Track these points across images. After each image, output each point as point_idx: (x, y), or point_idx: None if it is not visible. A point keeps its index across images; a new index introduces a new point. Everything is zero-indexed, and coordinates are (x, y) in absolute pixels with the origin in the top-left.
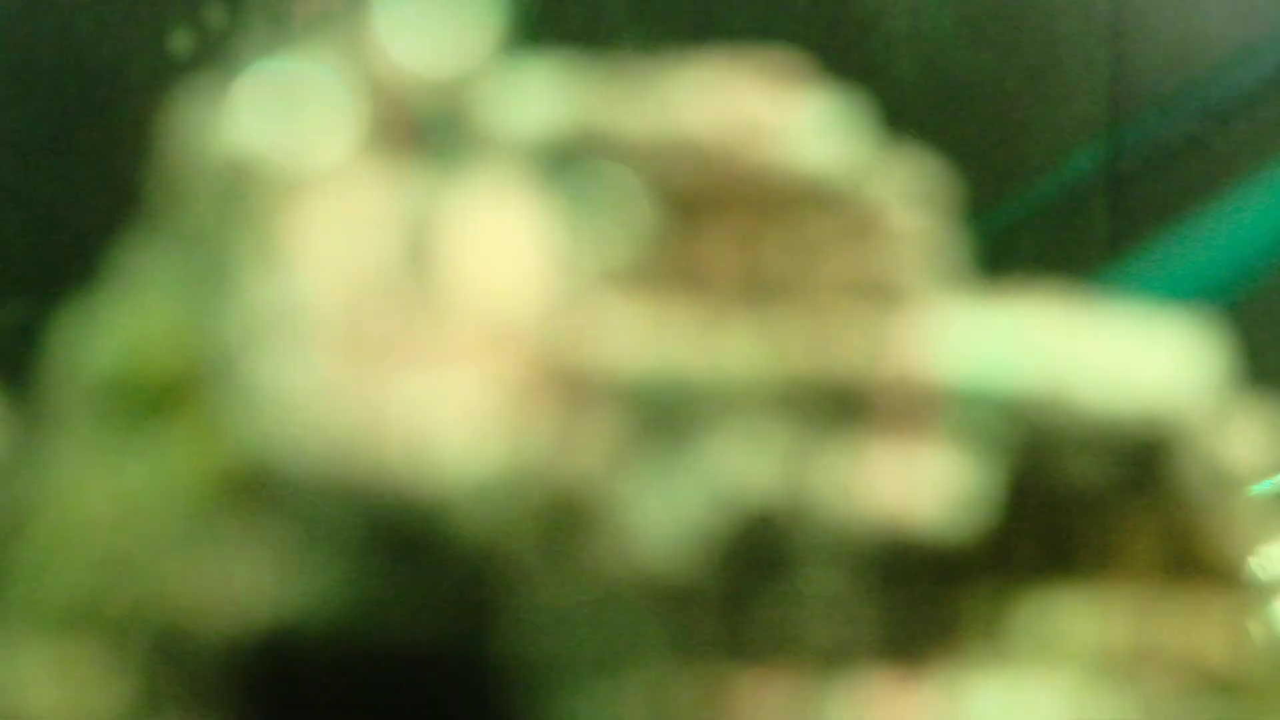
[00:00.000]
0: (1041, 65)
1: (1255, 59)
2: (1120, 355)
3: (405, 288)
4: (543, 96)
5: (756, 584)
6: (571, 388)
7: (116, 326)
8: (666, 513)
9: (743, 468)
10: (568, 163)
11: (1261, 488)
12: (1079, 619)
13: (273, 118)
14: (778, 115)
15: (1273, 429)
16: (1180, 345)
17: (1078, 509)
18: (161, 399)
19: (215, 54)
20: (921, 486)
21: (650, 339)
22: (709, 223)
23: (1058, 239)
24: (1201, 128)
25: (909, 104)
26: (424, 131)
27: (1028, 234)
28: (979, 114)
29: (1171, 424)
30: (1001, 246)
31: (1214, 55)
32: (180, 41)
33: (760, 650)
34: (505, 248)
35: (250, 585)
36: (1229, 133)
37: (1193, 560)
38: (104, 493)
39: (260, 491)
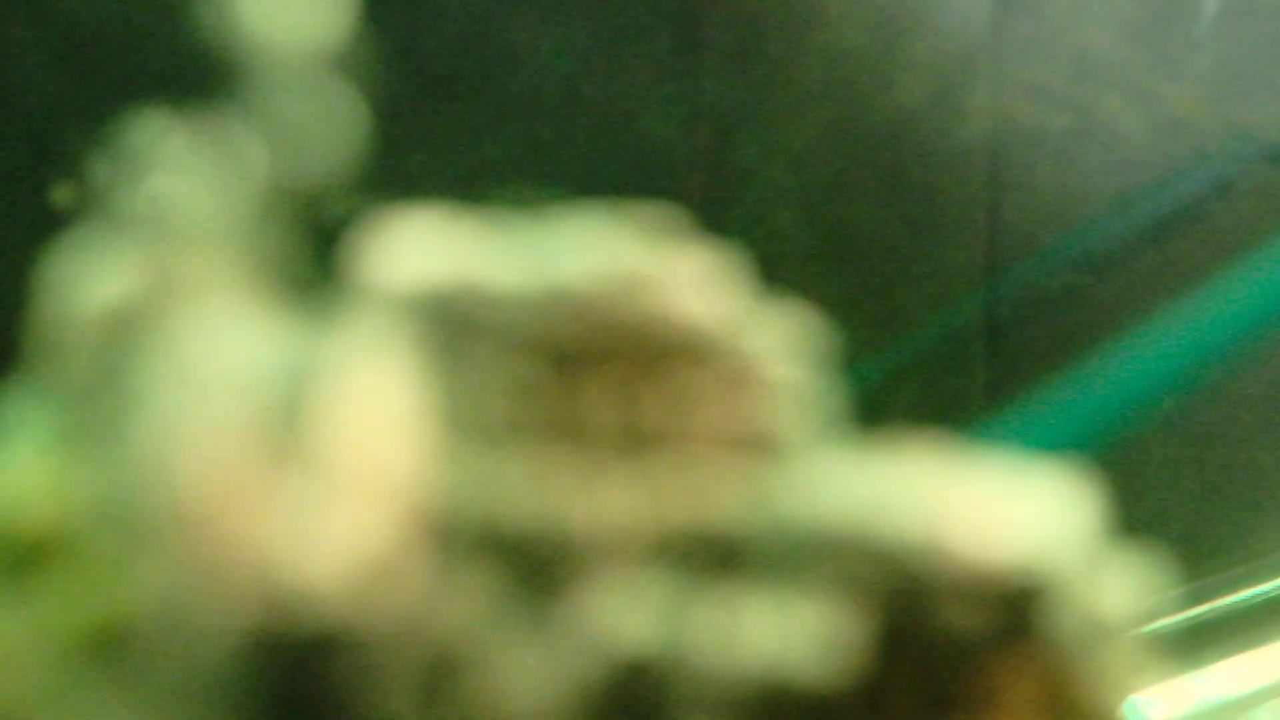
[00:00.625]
0: (920, 216)
1: (1130, 211)
2: (995, 504)
3: (281, 438)
4: (421, 248)
5: None
6: (447, 540)
7: None
8: (542, 664)
9: (619, 618)
10: (445, 315)
11: (1136, 634)
12: None
13: (150, 267)
14: (656, 268)
15: (1145, 577)
16: (1055, 494)
17: (952, 656)
18: (35, 552)
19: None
20: (798, 635)
21: (527, 490)
22: (587, 374)
23: (935, 388)
24: (1078, 278)
25: (788, 255)
26: (305, 280)
27: (906, 383)
28: (858, 264)
29: (1045, 572)
30: (879, 395)
31: (1090, 207)
32: (59, 193)
33: None
34: (382, 399)
35: None
36: (1105, 283)
37: (1066, 707)
38: None
39: (136, 644)
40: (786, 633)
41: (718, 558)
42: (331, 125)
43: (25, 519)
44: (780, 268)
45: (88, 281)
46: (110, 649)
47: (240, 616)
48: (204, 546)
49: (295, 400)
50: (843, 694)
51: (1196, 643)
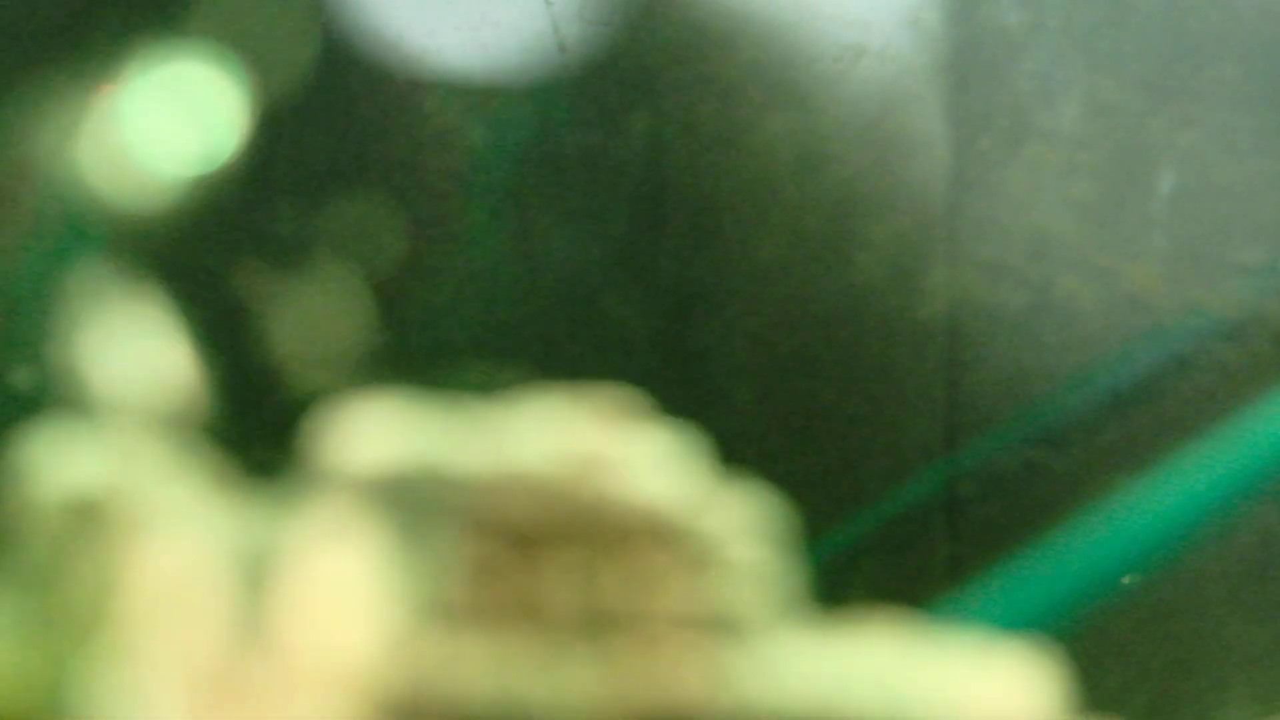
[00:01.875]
0: (879, 393)
1: (1088, 386)
2: (958, 682)
3: (244, 624)
4: (381, 431)
5: None
6: None
7: None
8: None
9: None
10: (405, 497)
11: None
12: None
13: (114, 455)
14: (614, 450)
15: None
16: (1018, 672)
17: None
18: None
19: (55, 394)
20: None
21: (488, 672)
22: (546, 556)
23: (896, 564)
24: (1037, 453)
25: (747, 433)
26: (264, 464)
27: (866, 560)
28: (817, 441)
29: None
30: (840, 573)
31: (1048, 383)
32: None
33: None
34: (342, 583)
35: None
36: (1065, 458)
37: None
38: None
39: None
40: None
41: None
42: (298, 307)
43: None
44: (739, 446)
45: (51, 468)
46: None
47: None
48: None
49: (257, 585)
50: None
51: None
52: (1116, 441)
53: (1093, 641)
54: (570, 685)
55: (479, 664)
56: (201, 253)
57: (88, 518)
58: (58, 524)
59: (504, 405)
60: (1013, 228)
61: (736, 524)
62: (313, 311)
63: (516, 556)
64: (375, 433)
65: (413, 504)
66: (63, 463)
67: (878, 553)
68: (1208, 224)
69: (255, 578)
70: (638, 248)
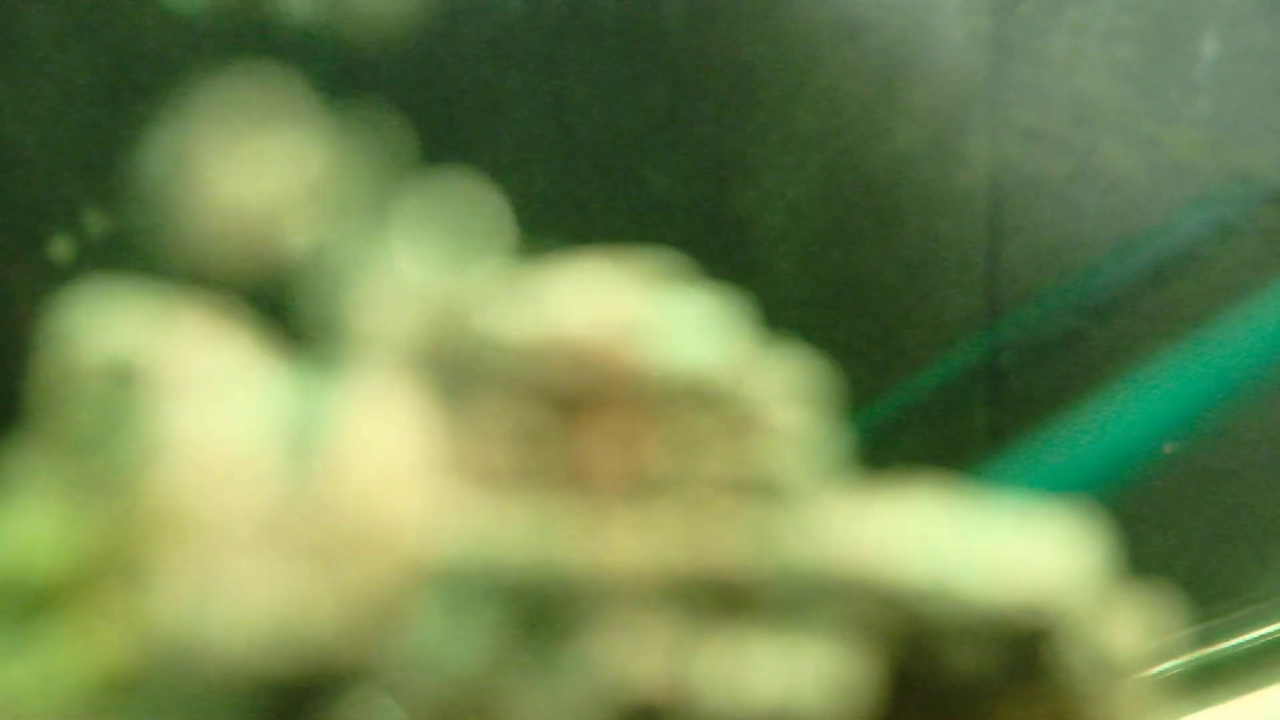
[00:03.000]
0: (919, 262)
1: (1131, 255)
2: (1000, 547)
3: (287, 487)
4: (421, 297)
5: None
6: (453, 586)
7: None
8: (551, 709)
9: (627, 663)
10: (448, 363)
11: (1143, 675)
12: None
13: (153, 317)
14: (655, 315)
15: (1151, 619)
16: (1060, 536)
17: (961, 699)
18: (42, 601)
19: (94, 260)
20: (806, 679)
21: (532, 536)
22: (588, 421)
23: (937, 433)
24: (1079, 322)
25: (787, 302)
26: (305, 330)
27: (908, 428)
28: (858, 310)
29: (1052, 614)
30: (882, 440)
31: (1090, 251)
32: (58, 248)
33: None
34: (386, 447)
35: None
36: (1107, 327)
37: None
38: None
39: (144, 691)
40: (795, 676)
41: (724, 602)
42: (332, 175)
43: (31, 567)
44: (780, 315)
45: (91, 332)
46: (118, 696)
47: (247, 664)
48: (212, 595)
49: (301, 448)
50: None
51: (1203, 684)
52: (1159, 309)
53: (1134, 507)
54: (614, 549)
55: (522, 528)
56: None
57: (128, 381)
58: (98, 388)
59: (543, 271)
60: (1054, 94)
61: (779, 389)
62: (353, 178)
63: (558, 421)
64: (418, 299)
65: (455, 370)
66: (103, 328)
67: (919, 421)
68: (1252, 89)
69: (299, 442)
70: (676, 117)
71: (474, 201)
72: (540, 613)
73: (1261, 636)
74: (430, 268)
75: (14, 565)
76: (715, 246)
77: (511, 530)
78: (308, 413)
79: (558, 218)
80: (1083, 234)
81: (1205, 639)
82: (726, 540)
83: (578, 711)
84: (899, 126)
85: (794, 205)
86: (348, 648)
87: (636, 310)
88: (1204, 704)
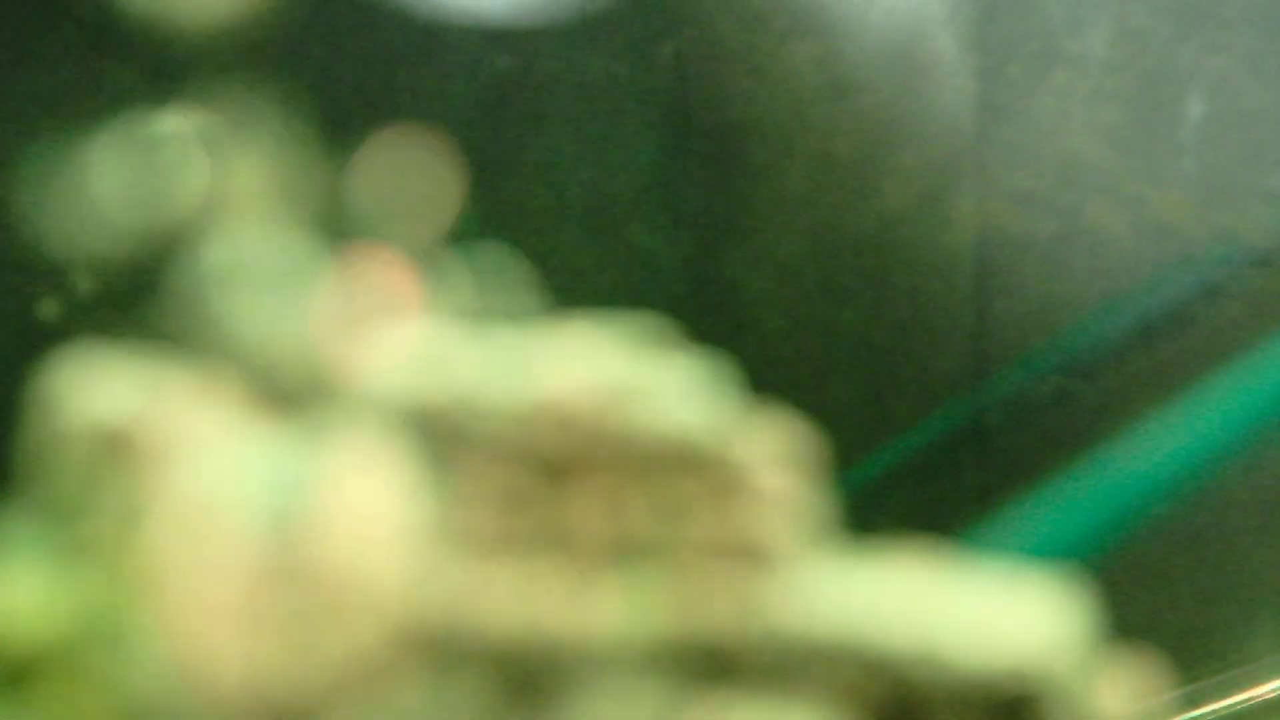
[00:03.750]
0: (907, 322)
1: (1118, 315)
2: (987, 611)
3: (273, 551)
4: (410, 360)
5: None
6: (437, 649)
7: None
8: None
9: None
10: (434, 426)
11: None
12: None
13: (139, 381)
14: (643, 378)
15: (1140, 681)
16: (1047, 600)
17: None
18: (30, 667)
19: (81, 322)
20: None
21: (517, 600)
22: (575, 484)
23: (925, 493)
24: (1067, 382)
25: (775, 362)
26: (292, 393)
27: (896, 489)
28: (844, 371)
29: (1039, 677)
30: (870, 501)
31: (1077, 311)
32: (46, 309)
33: None
34: (372, 511)
35: None
36: (1094, 387)
37: None
38: None
39: None
40: None
41: (711, 666)
42: (321, 241)
43: (19, 634)
44: (768, 375)
45: (81, 397)
46: None
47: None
48: (197, 660)
49: (287, 512)
50: None
51: None
52: (1145, 370)
53: (1122, 569)
54: (599, 613)
55: (507, 592)
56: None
57: (115, 446)
58: (85, 453)
59: (532, 334)
60: (1041, 155)
61: (766, 452)
62: (343, 237)
63: (545, 485)
64: (404, 361)
65: (441, 432)
66: (90, 391)
67: (906, 482)
68: (1237, 150)
69: (285, 505)
70: (665, 176)
71: (465, 265)
72: (525, 677)
73: (1250, 698)
74: (420, 329)
75: (1, 631)
76: (702, 306)
77: (497, 594)
78: (294, 476)
79: (546, 276)
80: (1069, 293)
81: (1193, 701)
82: (713, 604)
83: None
84: (886, 186)
85: (782, 264)
86: (334, 711)
87: (624, 373)
88: None
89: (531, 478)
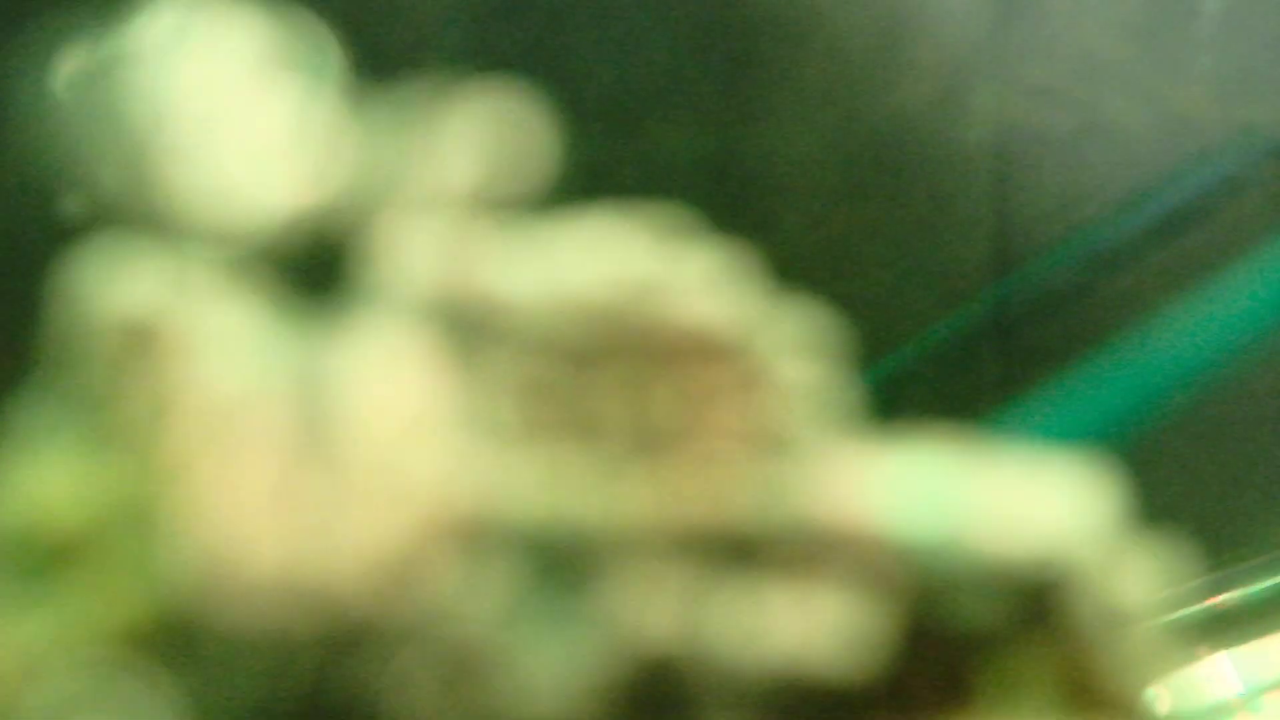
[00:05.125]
0: (927, 217)
1: (1138, 209)
2: (1012, 497)
3: (303, 440)
4: (437, 252)
5: None
6: (467, 538)
7: (14, 484)
8: (562, 660)
9: (639, 615)
10: (460, 319)
11: (1155, 624)
12: None
13: (166, 272)
14: (665, 270)
15: (1163, 567)
16: (1071, 485)
17: (973, 647)
18: (60, 555)
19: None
20: (817, 629)
21: (545, 488)
22: (599, 375)
23: (946, 387)
24: (1087, 276)
25: (795, 257)
26: (324, 284)
27: (916, 382)
28: (864, 267)
29: (1064, 563)
30: (892, 393)
31: (1097, 205)
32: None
33: None
34: (401, 401)
35: None
36: (1114, 281)
37: (1087, 696)
38: (5, 649)
39: (161, 647)
40: (805, 627)
41: (735, 553)
42: (343, 133)
43: (49, 522)
44: (787, 270)
45: (109, 285)
46: (136, 652)
47: (264, 617)
48: (227, 548)
49: (316, 403)
50: (862, 687)
51: (1215, 632)
52: (1166, 263)
53: (1145, 457)
54: (626, 501)
55: (535, 481)
56: None
57: (143, 339)
58: (111, 344)
59: (555, 227)
60: (1059, 49)
61: (788, 343)
62: (364, 134)
63: (568, 376)
64: (430, 255)
65: (467, 325)
66: (116, 282)
67: (928, 376)
68: (1257, 43)
69: (314, 396)
70: (681, 73)
71: (483, 153)
72: (553, 564)
73: (1273, 585)
74: (445, 219)
75: (30, 518)
76: (722, 202)
77: (524, 483)
78: (323, 365)
79: (566, 173)
80: (1089, 188)
81: (1217, 587)
82: (737, 494)
83: (590, 663)
84: (904, 82)
85: (800, 161)
86: (365, 599)
87: (646, 266)
88: (1216, 651)
89: (555, 369)
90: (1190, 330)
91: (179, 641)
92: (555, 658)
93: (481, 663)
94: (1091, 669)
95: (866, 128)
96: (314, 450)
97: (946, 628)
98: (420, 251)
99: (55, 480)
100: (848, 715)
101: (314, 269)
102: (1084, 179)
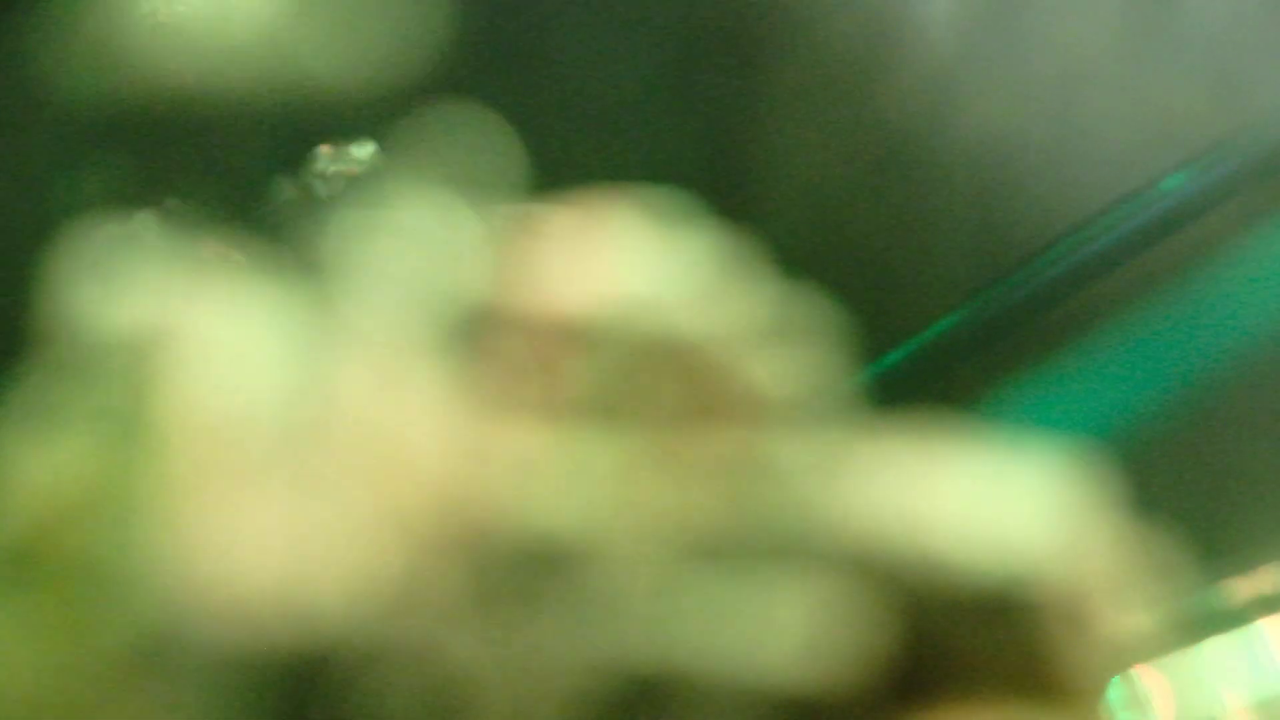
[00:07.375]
0: (917, 216)
1: (1127, 210)
2: (1002, 488)
3: (297, 430)
4: (424, 242)
5: None
6: (458, 550)
7: (8, 486)
8: (551, 668)
9: (614, 608)
10: (448, 303)
11: (1143, 616)
12: None
13: (171, 268)
14: (659, 254)
15: (1150, 559)
16: (1060, 484)
17: (957, 634)
18: (49, 559)
19: (108, 204)
20: (798, 623)
21: (541, 495)
22: (599, 378)
23: (932, 389)
24: (1077, 276)
25: (787, 251)
26: (311, 274)
27: (904, 384)
28: (855, 262)
29: (1048, 560)
30: (879, 395)
31: (1085, 205)
32: (71, 192)
33: None
34: (394, 392)
35: None
36: (1107, 280)
37: (1056, 687)
38: None
39: (149, 654)
40: (787, 621)
41: (715, 549)
42: (347, 131)
43: (33, 515)
44: (778, 264)
45: (108, 280)
46: (123, 660)
47: (251, 629)
48: (217, 558)
49: (313, 393)
50: (834, 675)
51: (1212, 630)
52: (1158, 264)
53: (1141, 450)
54: (607, 494)
55: (521, 463)
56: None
57: (145, 351)
58: (115, 357)
59: (548, 213)
60: (1046, 50)
61: (784, 330)
62: (365, 128)
63: (559, 358)
64: (417, 244)
65: (457, 309)
66: (114, 281)
67: (915, 377)
68: (1243, 47)
69: (312, 385)
70: (676, 70)
71: (480, 144)
72: (546, 572)
73: (1263, 579)
74: (434, 211)
75: (18, 522)
76: (716, 193)
77: (510, 463)
78: (313, 363)
79: (567, 168)
80: (1076, 188)
81: (1213, 584)
82: (718, 487)
83: (578, 664)
84: (890, 83)
85: (794, 156)
86: (357, 612)
87: (638, 249)
88: (1211, 648)
89: (546, 350)
90: (1183, 331)
91: (162, 653)
92: (543, 666)
93: (471, 677)
94: (1075, 657)
95: (852, 128)
96: (308, 460)
97: (926, 616)
98: (431, 239)
99: (40, 473)
100: (820, 697)
101: (313, 268)
102: (1069, 181)
